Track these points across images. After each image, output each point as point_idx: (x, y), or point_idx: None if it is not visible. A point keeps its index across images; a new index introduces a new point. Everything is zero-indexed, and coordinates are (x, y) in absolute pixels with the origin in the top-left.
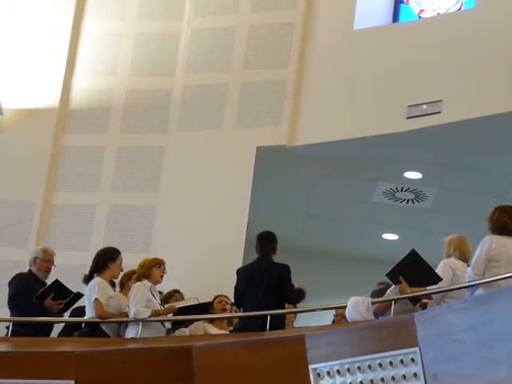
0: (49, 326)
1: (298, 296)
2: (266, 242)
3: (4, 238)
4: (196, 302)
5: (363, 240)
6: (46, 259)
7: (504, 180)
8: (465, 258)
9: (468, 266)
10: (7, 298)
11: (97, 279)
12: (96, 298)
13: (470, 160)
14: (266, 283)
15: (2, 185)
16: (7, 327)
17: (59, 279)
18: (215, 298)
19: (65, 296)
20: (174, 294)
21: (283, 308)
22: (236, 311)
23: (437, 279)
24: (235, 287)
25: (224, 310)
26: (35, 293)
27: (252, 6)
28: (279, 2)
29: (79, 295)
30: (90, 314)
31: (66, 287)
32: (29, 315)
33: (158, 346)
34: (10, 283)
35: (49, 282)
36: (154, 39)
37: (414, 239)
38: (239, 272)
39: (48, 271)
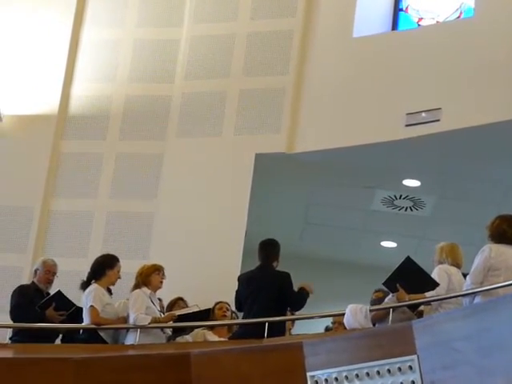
0: (49, 335)
1: (302, 300)
2: (268, 249)
3: (2, 244)
4: (197, 309)
5: (361, 248)
6: (46, 270)
7: (502, 188)
8: (457, 264)
9: (464, 274)
10: (9, 309)
11: (93, 286)
12: (91, 305)
13: (468, 168)
14: (267, 291)
15: (0, 191)
16: (11, 338)
17: (58, 287)
18: (216, 304)
19: (66, 307)
20: (178, 302)
21: (283, 315)
22: (236, 316)
23: (434, 285)
24: (236, 291)
25: (224, 317)
26: (37, 304)
27: (251, 13)
28: (279, 10)
29: (80, 310)
30: (86, 321)
31: (67, 298)
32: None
33: (156, 352)
34: (12, 295)
35: (52, 292)
36: (153, 46)
37: (412, 247)
38: (240, 278)
39: (49, 282)
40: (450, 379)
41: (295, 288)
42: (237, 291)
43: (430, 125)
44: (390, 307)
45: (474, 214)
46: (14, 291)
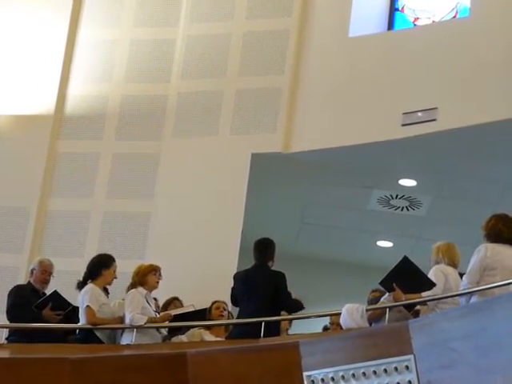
0: (46, 335)
1: (296, 306)
2: (263, 248)
3: None
4: (192, 309)
5: (358, 247)
6: (42, 270)
7: (499, 187)
8: (454, 264)
9: (460, 274)
10: (6, 309)
11: (89, 286)
12: (87, 306)
13: (465, 167)
14: (262, 291)
15: None
16: (7, 338)
17: (55, 287)
18: (213, 303)
19: (63, 307)
20: (173, 301)
21: (279, 315)
22: (232, 316)
23: (430, 285)
24: (232, 288)
25: (221, 317)
26: (33, 304)
27: (247, 12)
28: (275, 9)
29: (76, 309)
30: (82, 321)
31: (64, 299)
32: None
33: (153, 352)
34: (9, 295)
35: (48, 292)
36: (150, 46)
37: (408, 246)
38: (236, 277)
39: (45, 282)
40: (447, 379)
41: (294, 293)
42: (232, 288)
43: (427, 124)
44: (387, 307)
45: (470, 213)
46: (11, 291)
